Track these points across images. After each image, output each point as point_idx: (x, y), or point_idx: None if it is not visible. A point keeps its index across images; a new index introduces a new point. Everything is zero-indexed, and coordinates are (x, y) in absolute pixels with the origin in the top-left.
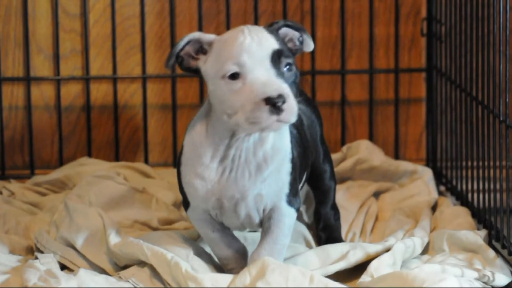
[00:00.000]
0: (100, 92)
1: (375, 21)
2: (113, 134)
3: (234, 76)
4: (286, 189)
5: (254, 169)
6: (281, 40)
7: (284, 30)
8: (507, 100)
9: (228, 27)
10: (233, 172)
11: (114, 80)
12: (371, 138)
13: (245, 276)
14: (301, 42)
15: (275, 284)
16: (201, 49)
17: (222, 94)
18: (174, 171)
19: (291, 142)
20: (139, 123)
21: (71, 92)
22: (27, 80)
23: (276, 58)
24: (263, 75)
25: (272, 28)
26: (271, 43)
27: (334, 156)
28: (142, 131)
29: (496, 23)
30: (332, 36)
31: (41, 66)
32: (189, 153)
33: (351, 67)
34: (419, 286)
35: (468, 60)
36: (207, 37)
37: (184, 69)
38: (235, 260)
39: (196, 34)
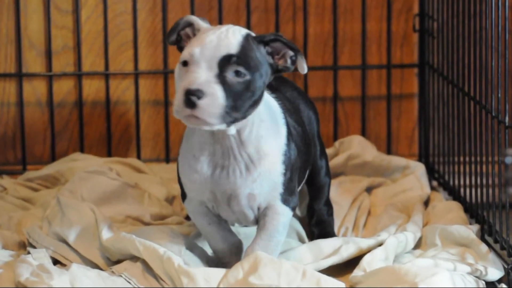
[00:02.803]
0: (92, 88)
1: (367, 17)
2: (105, 130)
3: (185, 63)
4: (280, 189)
5: (244, 168)
6: (257, 50)
7: (278, 45)
8: (499, 95)
9: (220, 23)
10: (225, 169)
11: (106, 76)
12: (363, 133)
13: (238, 271)
14: (293, 62)
15: (268, 279)
16: (195, 33)
17: (175, 77)
18: (166, 166)
19: (292, 141)
20: (131, 119)
21: (63, 88)
22: (19, 76)
23: (226, 61)
24: (201, 70)
25: (258, 38)
26: (230, 47)
27: (327, 152)
28: (134, 126)
29: (488, 19)
30: (324, 32)
31: (33, 62)
32: (185, 144)
33: (343, 63)
34: (412, 281)
35: (461, 56)
36: (200, 23)
37: (180, 48)
38: (230, 254)
39: (193, 18)
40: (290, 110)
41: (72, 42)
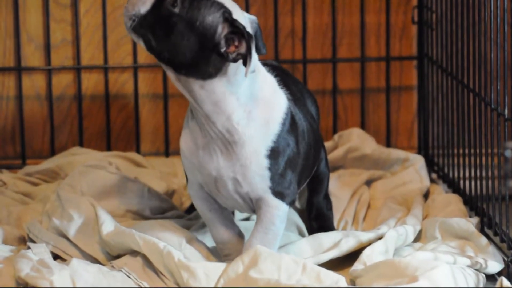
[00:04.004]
0: (91, 82)
1: (366, 9)
2: (104, 124)
3: None
4: (267, 182)
5: (223, 148)
6: (213, 15)
7: (241, 39)
8: (498, 87)
9: None
10: (206, 148)
11: (105, 69)
12: (362, 126)
13: (238, 265)
14: (235, 60)
15: (268, 273)
16: None
17: None
18: (166, 160)
19: (291, 137)
20: (130, 112)
21: (62, 82)
22: (18, 70)
23: None
24: None
25: (230, 17)
26: None
27: (326, 145)
28: (133, 120)
29: (487, 11)
30: (323, 25)
31: (32, 56)
32: (185, 126)
33: (342, 55)
34: (412, 274)
35: (460, 48)
36: None
37: None
38: (231, 245)
39: None
40: (307, 106)
41: (71, 35)
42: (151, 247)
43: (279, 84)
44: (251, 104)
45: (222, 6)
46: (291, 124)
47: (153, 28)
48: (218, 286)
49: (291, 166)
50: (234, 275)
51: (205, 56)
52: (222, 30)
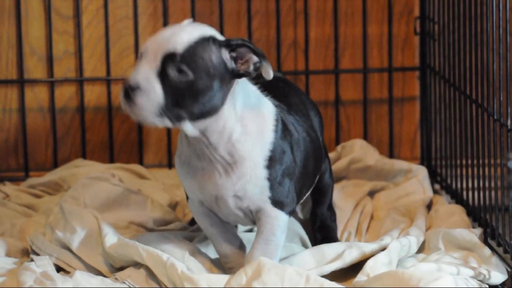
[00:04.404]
0: (94, 94)
1: (368, 20)
2: (107, 136)
3: (140, 56)
4: (267, 193)
5: (222, 171)
6: (212, 52)
7: (243, 50)
8: (501, 98)
9: (221, 28)
10: (205, 171)
11: (108, 81)
12: (365, 137)
13: (241, 277)
14: (256, 69)
15: (271, 284)
16: None
17: None
18: (169, 172)
19: (287, 146)
20: (133, 124)
21: (65, 94)
22: (21, 82)
23: (170, 58)
24: (143, 65)
25: (224, 41)
26: (176, 45)
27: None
28: (136, 132)
29: (489, 21)
30: (325, 36)
31: (35, 68)
32: (179, 149)
33: (344, 66)
34: (415, 285)
35: (462, 59)
36: None
37: None
38: (234, 258)
39: None
40: (306, 115)
41: (73, 47)
42: (154, 259)
43: (279, 94)
44: (245, 114)
45: (208, 38)
46: (283, 131)
47: (180, 104)
48: None
49: (289, 174)
50: (237, 287)
51: (229, 88)
52: (228, 57)
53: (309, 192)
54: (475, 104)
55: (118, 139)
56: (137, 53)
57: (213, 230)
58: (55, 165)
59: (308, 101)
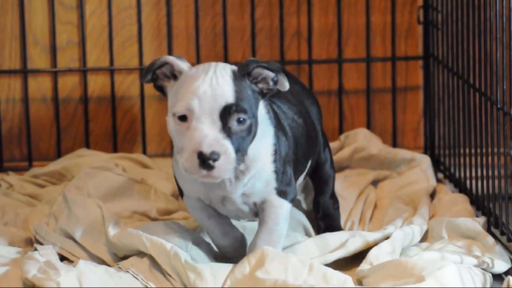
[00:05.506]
0: (97, 84)
1: (372, 9)
2: (111, 126)
3: (183, 118)
4: (273, 183)
5: (233, 177)
6: (245, 87)
7: (257, 70)
8: (504, 87)
9: (224, 17)
10: None
11: (111, 71)
12: (368, 126)
13: (245, 266)
14: (275, 83)
15: (275, 273)
16: (173, 73)
17: (171, 130)
18: (172, 161)
19: (281, 135)
20: (136, 114)
21: (68, 84)
22: (24, 72)
23: (227, 112)
24: (207, 126)
25: (243, 70)
26: (227, 96)
27: (332, 145)
28: (139, 122)
29: (492, 10)
30: (328, 25)
31: (38, 58)
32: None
33: (348, 56)
34: (419, 274)
35: (465, 48)
36: (179, 65)
37: (156, 87)
38: (234, 249)
39: (170, 59)
40: (292, 102)
41: (76, 37)
42: (158, 248)
43: None
44: None
45: (235, 74)
46: (276, 119)
47: (242, 149)
48: (225, 286)
49: (288, 161)
50: (240, 276)
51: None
52: (250, 83)
53: (302, 178)
54: (479, 93)
55: (122, 129)
56: (140, 43)
57: (210, 223)
58: (59, 155)
59: (304, 91)
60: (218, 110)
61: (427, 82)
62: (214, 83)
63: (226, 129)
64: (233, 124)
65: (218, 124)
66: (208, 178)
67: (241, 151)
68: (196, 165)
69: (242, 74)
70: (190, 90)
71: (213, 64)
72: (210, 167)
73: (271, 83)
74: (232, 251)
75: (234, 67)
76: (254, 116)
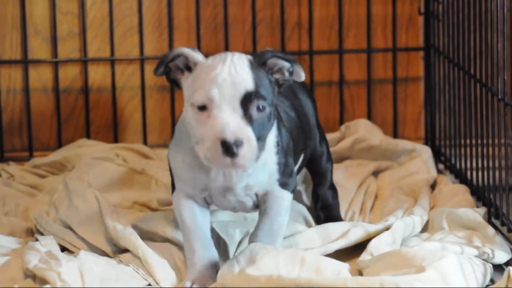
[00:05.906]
0: (98, 74)
1: (373, 0)
2: (111, 116)
3: (202, 107)
4: (276, 175)
5: None
6: (263, 76)
7: (273, 60)
8: (505, 78)
9: (225, 8)
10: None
11: (112, 62)
12: (369, 117)
13: (233, 265)
14: (291, 73)
15: (266, 270)
16: (187, 65)
17: (189, 121)
18: (167, 152)
19: (282, 127)
20: (137, 104)
21: (69, 74)
22: (25, 62)
23: (248, 99)
24: (228, 114)
25: (259, 59)
26: (246, 83)
27: (333, 136)
28: (140, 112)
29: (493, 1)
30: (329, 16)
31: (39, 48)
32: (178, 140)
33: (348, 46)
34: (419, 264)
35: (466, 39)
36: (194, 56)
37: (170, 80)
38: (202, 270)
39: (185, 51)
40: (285, 95)
41: (77, 28)
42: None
43: None
44: None
45: (253, 64)
46: (275, 110)
47: (262, 137)
48: (214, 287)
49: (289, 152)
50: (230, 275)
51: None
52: (268, 73)
53: (297, 166)
54: (479, 83)
55: (122, 119)
56: (141, 33)
57: (192, 230)
58: (59, 145)
59: (298, 84)
60: (238, 97)
61: (428, 73)
62: (233, 71)
63: (247, 116)
64: (254, 111)
65: (239, 111)
66: (232, 167)
67: (261, 139)
68: (220, 154)
69: (259, 63)
70: (208, 79)
71: (229, 53)
72: (234, 155)
73: (286, 73)
74: (199, 271)
75: (250, 57)
76: (273, 104)
